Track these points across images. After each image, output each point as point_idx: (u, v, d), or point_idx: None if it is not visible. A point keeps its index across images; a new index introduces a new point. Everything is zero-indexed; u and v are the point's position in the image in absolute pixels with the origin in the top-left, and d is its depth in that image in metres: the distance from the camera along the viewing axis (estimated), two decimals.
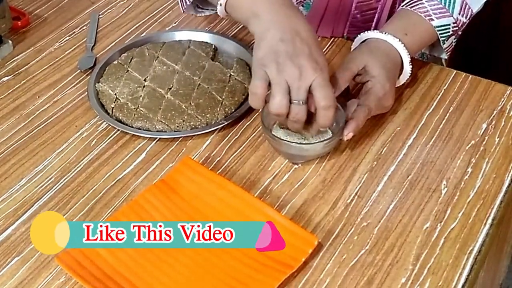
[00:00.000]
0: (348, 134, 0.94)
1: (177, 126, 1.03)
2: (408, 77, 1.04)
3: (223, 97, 1.07)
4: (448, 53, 1.13)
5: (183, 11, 1.17)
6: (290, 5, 0.94)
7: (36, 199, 0.95)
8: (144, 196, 0.92)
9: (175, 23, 1.27)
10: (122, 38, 1.24)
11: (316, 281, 0.83)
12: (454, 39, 1.10)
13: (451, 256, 0.84)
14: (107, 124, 1.05)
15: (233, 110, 1.05)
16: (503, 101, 1.06)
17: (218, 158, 0.99)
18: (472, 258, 0.84)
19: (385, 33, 1.02)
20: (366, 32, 1.05)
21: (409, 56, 1.02)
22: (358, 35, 1.07)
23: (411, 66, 1.03)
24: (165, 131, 1.03)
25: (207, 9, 1.17)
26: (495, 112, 1.04)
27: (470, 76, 1.11)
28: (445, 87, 1.09)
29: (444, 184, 0.93)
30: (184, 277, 0.83)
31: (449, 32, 1.07)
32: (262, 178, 0.96)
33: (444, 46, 1.09)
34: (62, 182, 0.97)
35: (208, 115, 1.04)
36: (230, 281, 0.82)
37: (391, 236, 0.87)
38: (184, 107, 1.05)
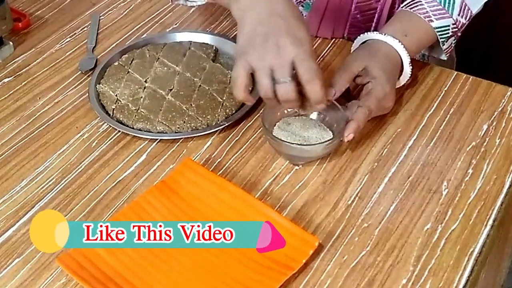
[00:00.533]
0: (348, 136, 0.94)
1: (178, 128, 1.03)
2: (408, 78, 1.04)
3: (224, 98, 1.07)
4: (448, 54, 1.13)
5: (171, 1, 1.15)
6: None
7: (37, 200, 0.95)
8: (145, 198, 0.92)
9: (176, 24, 1.27)
10: (123, 40, 1.24)
11: (316, 282, 0.83)
12: (454, 40, 1.10)
13: (452, 257, 0.84)
14: (108, 126, 1.05)
15: (233, 111, 1.05)
16: (503, 102, 1.06)
17: (219, 160, 0.99)
18: (473, 259, 0.84)
19: (385, 34, 1.02)
20: (366, 33, 1.05)
21: (409, 57, 1.02)
22: (358, 37, 1.07)
23: (411, 67, 1.03)
24: (166, 132, 1.03)
25: None
26: (495, 113, 1.04)
27: (471, 77, 1.11)
28: (445, 89, 1.09)
29: (445, 186, 0.93)
30: (184, 278, 0.83)
31: (448, 33, 1.07)
32: (262, 179, 0.96)
33: (444, 47, 1.09)
34: (63, 184, 0.97)
35: (209, 116, 1.04)
36: (230, 283, 0.82)
37: (392, 237, 0.87)
38: (185, 108, 1.05)
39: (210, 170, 0.97)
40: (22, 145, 1.04)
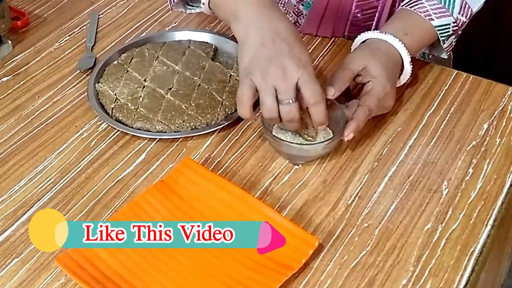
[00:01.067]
0: (348, 135, 0.94)
1: (177, 127, 1.02)
2: (408, 77, 1.04)
3: (224, 97, 1.06)
4: (448, 53, 1.12)
5: (171, 8, 1.16)
6: (270, 5, 0.94)
7: (35, 200, 0.95)
8: (144, 197, 0.91)
9: (175, 23, 1.27)
10: (122, 38, 1.24)
11: (316, 282, 0.82)
12: (454, 38, 1.10)
13: (452, 258, 0.84)
14: (107, 125, 1.05)
15: (233, 111, 1.05)
16: (504, 101, 1.05)
17: (218, 159, 0.99)
18: (474, 260, 0.84)
19: (385, 33, 1.02)
20: (366, 32, 1.05)
21: (409, 56, 1.02)
22: (358, 36, 1.06)
23: (411, 66, 1.03)
24: (165, 132, 1.02)
25: (198, 6, 1.16)
26: (496, 112, 1.04)
27: (471, 76, 1.10)
28: (446, 88, 1.09)
29: (445, 185, 0.93)
30: (184, 278, 0.83)
31: (449, 31, 1.07)
32: (262, 179, 0.95)
33: (444, 45, 1.09)
34: (61, 183, 0.97)
35: (208, 116, 1.03)
36: (230, 283, 0.82)
37: (392, 237, 0.87)
38: (184, 108, 1.05)
39: (210, 169, 0.96)
40: (20, 145, 1.03)
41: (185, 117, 1.03)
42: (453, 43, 1.11)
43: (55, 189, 0.96)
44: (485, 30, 1.94)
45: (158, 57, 1.14)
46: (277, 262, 0.83)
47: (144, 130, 1.03)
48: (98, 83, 1.10)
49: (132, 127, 1.03)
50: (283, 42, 0.90)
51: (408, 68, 1.03)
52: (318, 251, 0.85)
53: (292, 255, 0.83)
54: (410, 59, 1.02)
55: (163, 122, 1.03)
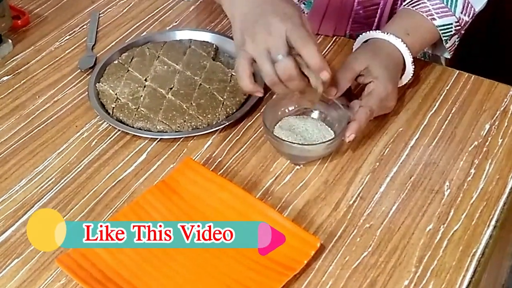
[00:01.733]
0: (350, 136, 0.93)
1: (178, 127, 1.02)
2: (410, 77, 1.04)
3: (224, 97, 1.06)
4: (451, 53, 1.12)
5: None
6: None
7: (36, 200, 0.94)
8: (145, 197, 0.91)
9: (175, 22, 1.27)
10: (123, 38, 1.23)
11: (318, 283, 0.82)
12: (457, 38, 1.10)
13: (455, 258, 0.84)
14: (108, 124, 1.04)
15: (234, 110, 1.05)
16: (506, 101, 1.05)
17: (220, 159, 0.99)
18: (476, 260, 0.84)
19: (387, 33, 1.02)
20: (368, 32, 1.05)
21: (411, 56, 1.02)
22: (360, 35, 1.06)
23: (413, 66, 1.02)
24: (166, 132, 1.02)
25: None
26: (498, 112, 1.03)
27: (473, 76, 1.10)
28: (447, 88, 1.08)
29: (447, 186, 0.92)
30: (184, 279, 0.83)
31: (451, 31, 1.07)
32: (263, 179, 0.95)
33: (447, 45, 1.08)
34: (62, 183, 0.96)
35: (209, 115, 1.03)
36: (231, 283, 0.82)
37: (393, 238, 0.86)
38: (185, 107, 1.04)
39: (211, 169, 0.96)
40: (21, 144, 1.03)
41: (186, 117, 1.03)
42: (456, 43, 1.11)
43: (55, 189, 0.96)
44: (487, 30, 1.93)
45: (159, 56, 1.14)
46: (278, 262, 0.83)
47: (145, 130, 1.03)
48: (99, 82, 1.10)
49: (133, 127, 1.03)
50: (266, 4, 0.90)
51: (410, 68, 1.03)
52: (319, 252, 0.84)
53: (294, 255, 0.83)
54: (412, 59, 1.02)
55: (164, 122, 1.02)
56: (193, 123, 1.02)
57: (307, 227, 0.88)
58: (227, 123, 1.03)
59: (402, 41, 1.01)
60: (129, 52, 1.16)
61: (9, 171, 0.99)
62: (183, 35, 1.19)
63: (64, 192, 0.95)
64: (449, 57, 1.13)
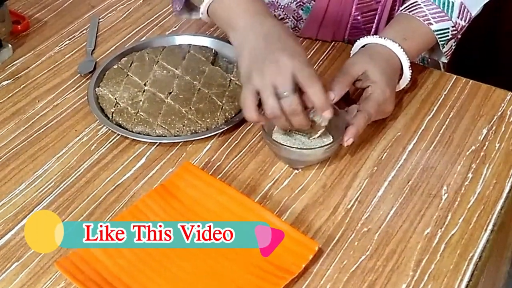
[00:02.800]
0: (348, 140, 0.94)
1: (177, 131, 1.03)
2: (408, 81, 1.04)
3: (223, 101, 1.06)
4: (448, 57, 1.13)
5: (176, 15, 1.16)
6: (263, 12, 0.96)
7: (35, 204, 0.95)
8: (144, 201, 0.91)
9: (175, 27, 1.27)
10: (122, 42, 1.24)
11: (316, 287, 0.82)
12: (454, 42, 1.10)
13: (452, 262, 0.84)
14: (107, 129, 1.05)
15: (233, 115, 1.05)
16: (503, 106, 1.06)
17: (218, 163, 0.99)
18: (473, 264, 0.84)
19: (385, 38, 1.02)
20: (365, 37, 1.05)
21: (408, 60, 1.02)
22: (358, 40, 1.07)
23: (410, 71, 1.03)
24: (165, 136, 1.02)
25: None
26: (495, 117, 1.04)
27: (470, 81, 1.11)
28: (445, 92, 1.09)
29: (445, 190, 0.93)
30: (183, 283, 0.83)
31: (448, 36, 1.07)
32: (262, 183, 0.96)
33: (444, 50, 1.09)
34: (61, 187, 0.97)
35: (208, 120, 1.04)
36: (230, 287, 0.82)
37: (391, 242, 0.87)
38: (184, 112, 1.05)
39: (210, 173, 0.96)
40: (21, 148, 1.04)
41: (185, 121, 1.03)
42: (453, 47, 1.11)
43: (55, 193, 0.96)
44: (485, 35, 1.94)
45: (158, 61, 1.14)
46: (276, 266, 0.83)
47: (144, 134, 1.03)
48: (98, 87, 1.11)
49: (132, 131, 1.03)
50: (275, 41, 0.91)
51: (407, 72, 1.03)
52: (317, 256, 0.85)
53: (292, 259, 0.83)
54: (409, 64, 1.03)
55: (163, 126, 1.03)
56: (192, 128, 1.03)
57: (305, 231, 0.88)
58: (226, 128, 1.03)
59: (399, 45, 1.02)
60: (128, 57, 1.16)
61: (9, 175, 0.99)
62: (182, 40, 1.20)
63: (63, 196, 0.95)
64: (446, 61, 1.14)
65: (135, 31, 1.27)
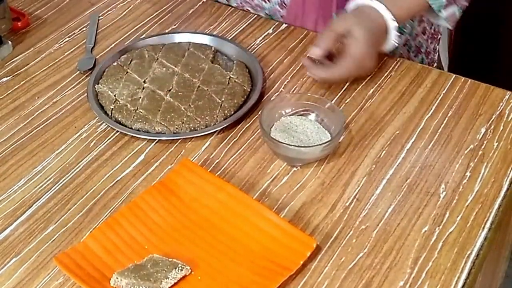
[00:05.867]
0: (312, 74, 1.03)
1: (177, 128, 1.03)
2: (394, 43, 1.07)
3: (223, 99, 1.07)
4: (452, 24, 1.13)
5: None
6: None
7: (35, 199, 0.95)
8: (143, 198, 0.92)
9: (175, 25, 1.27)
10: (122, 40, 1.24)
11: (314, 283, 0.83)
12: (458, 10, 1.11)
13: (450, 260, 0.84)
14: (106, 126, 1.05)
15: (232, 112, 1.06)
16: (502, 105, 1.06)
17: (217, 160, 0.99)
18: (470, 262, 0.84)
19: (372, 0, 1.05)
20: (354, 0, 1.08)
21: (395, 21, 1.05)
22: (348, 4, 1.09)
23: (397, 34, 1.05)
24: (164, 133, 1.03)
25: None
26: (494, 116, 1.04)
27: (469, 81, 1.11)
28: (444, 91, 1.09)
29: (443, 188, 0.93)
30: (182, 280, 0.83)
31: (442, 1, 1.08)
32: (261, 180, 0.96)
33: (443, 15, 1.10)
34: (61, 183, 0.97)
35: (207, 117, 1.04)
36: (227, 283, 0.82)
37: (389, 239, 0.87)
38: (184, 109, 1.05)
39: (208, 170, 0.97)
40: (20, 144, 1.04)
41: (184, 119, 1.04)
42: (457, 15, 1.12)
43: (54, 189, 0.96)
44: (484, 35, 1.94)
45: (157, 58, 1.15)
46: (274, 263, 0.83)
47: (143, 131, 1.03)
48: (98, 84, 1.11)
49: (132, 128, 1.03)
50: None
51: (393, 34, 1.06)
52: (315, 253, 0.85)
53: (290, 256, 0.84)
54: (395, 26, 1.05)
55: (162, 123, 1.03)
56: (191, 125, 1.03)
57: (303, 228, 0.89)
58: (225, 125, 1.03)
59: (385, 7, 1.04)
60: (128, 54, 1.16)
61: (8, 170, 1.00)
62: (182, 37, 1.20)
63: (62, 192, 0.96)
64: (450, 28, 1.14)
65: (135, 28, 1.27)
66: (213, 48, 1.17)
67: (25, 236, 0.90)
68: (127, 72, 1.12)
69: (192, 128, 1.03)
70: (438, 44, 1.34)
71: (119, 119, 1.05)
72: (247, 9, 1.29)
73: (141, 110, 1.05)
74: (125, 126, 1.04)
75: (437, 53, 1.36)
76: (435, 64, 1.35)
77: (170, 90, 1.08)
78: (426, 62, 1.30)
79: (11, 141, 1.04)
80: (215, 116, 1.04)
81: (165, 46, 1.17)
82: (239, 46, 1.18)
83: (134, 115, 1.05)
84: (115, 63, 1.15)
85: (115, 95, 1.08)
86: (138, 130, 1.03)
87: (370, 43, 1.03)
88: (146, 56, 1.15)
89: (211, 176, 0.94)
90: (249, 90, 1.09)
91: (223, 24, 1.26)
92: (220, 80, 1.10)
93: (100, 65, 1.14)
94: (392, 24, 1.05)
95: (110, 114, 1.06)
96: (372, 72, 1.07)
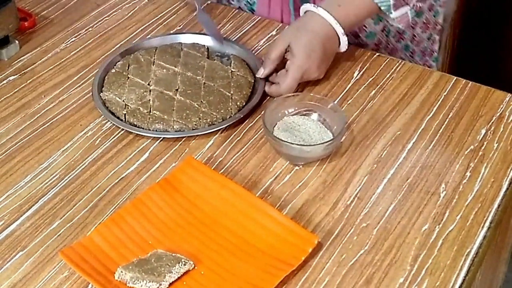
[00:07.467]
0: (269, 93, 1.09)
1: (195, 124, 1.04)
2: (346, 46, 1.10)
3: (231, 92, 1.08)
4: (404, 25, 1.13)
5: None
6: None
7: (40, 195, 0.96)
8: (147, 194, 0.93)
9: (179, 26, 1.29)
10: (128, 40, 1.25)
11: (315, 279, 0.84)
12: (411, 9, 1.11)
13: (449, 258, 0.85)
14: (111, 124, 1.06)
15: (244, 104, 1.08)
16: (502, 107, 1.07)
17: (221, 159, 1.00)
18: (470, 260, 0.85)
19: (317, 7, 1.07)
20: (304, 4, 1.10)
21: (341, 26, 1.06)
22: (301, 7, 1.11)
23: (345, 37, 1.08)
24: (183, 130, 1.04)
25: None
26: (494, 118, 1.05)
27: (470, 83, 1.12)
28: (445, 93, 1.10)
29: (443, 188, 0.94)
30: (184, 274, 0.84)
31: (388, 2, 1.08)
32: (263, 178, 0.97)
33: (393, 16, 1.10)
34: (66, 180, 0.98)
35: (222, 110, 1.06)
36: (229, 278, 0.83)
37: (390, 237, 0.88)
38: (197, 106, 1.06)
39: (212, 168, 0.98)
40: (26, 142, 1.05)
41: (201, 114, 1.05)
42: (410, 16, 1.12)
43: (59, 185, 0.97)
44: (485, 38, 1.95)
45: (154, 61, 1.15)
46: (276, 258, 0.85)
47: (148, 130, 1.04)
48: (102, 92, 1.11)
49: (150, 130, 1.04)
50: None
51: (343, 38, 1.08)
52: (317, 249, 0.86)
53: (292, 252, 0.85)
54: (343, 30, 1.07)
55: (180, 121, 1.04)
56: (208, 119, 1.04)
57: (305, 225, 0.90)
58: (228, 124, 1.04)
59: (329, 13, 1.06)
60: (123, 60, 1.17)
61: (14, 167, 1.01)
62: (182, 39, 1.22)
63: (68, 188, 0.97)
64: (401, 27, 1.15)
65: (140, 29, 1.29)
66: (205, 45, 1.19)
67: (31, 230, 0.91)
68: (128, 77, 1.13)
69: (210, 123, 1.05)
70: (438, 47, 1.35)
71: (135, 122, 1.05)
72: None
73: (155, 112, 1.06)
74: (142, 128, 1.05)
75: (437, 55, 1.37)
76: (436, 67, 1.37)
77: (178, 90, 1.10)
78: (427, 64, 1.31)
79: (17, 138, 1.06)
80: (229, 108, 1.06)
81: (158, 49, 1.18)
82: (241, 46, 1.20)
83: (149, 117, 1.05)
84: (113, 70, 1.15)
85: (123, 101, 1.09)
86: (156, 130, 1.04)
87: (313, 57, 1.06)
88: (142, 60, 1.16)
89: (215, 174, 0.95)
90: (253, 81, 1.11)
91: (227, 25, 1.28)
92: (223, 75, 1.12)
93: (101, 70, 1.15)
94: (340, 30, 1.07)
95: (124, 119, 1.06)
96: (321, 77, 1.11)
